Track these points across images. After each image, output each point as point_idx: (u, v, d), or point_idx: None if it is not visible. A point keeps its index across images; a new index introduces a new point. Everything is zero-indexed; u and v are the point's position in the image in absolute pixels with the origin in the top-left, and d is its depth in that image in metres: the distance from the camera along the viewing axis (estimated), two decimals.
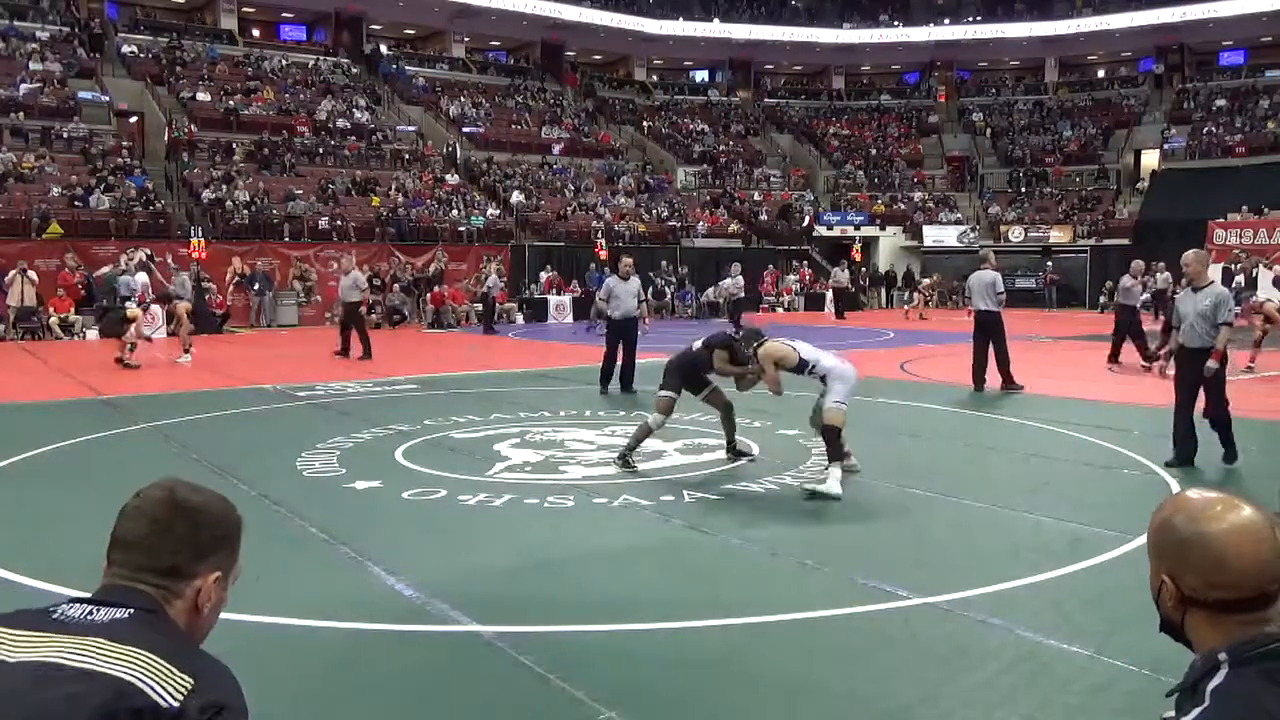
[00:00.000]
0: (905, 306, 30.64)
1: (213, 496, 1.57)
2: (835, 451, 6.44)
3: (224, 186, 25.48)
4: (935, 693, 3.54)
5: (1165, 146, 37.53)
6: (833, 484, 6.27)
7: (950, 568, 5.02)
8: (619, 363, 11.68)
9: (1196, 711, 1.31)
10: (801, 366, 6.67)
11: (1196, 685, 1.36)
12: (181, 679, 1.28)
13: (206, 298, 21.70)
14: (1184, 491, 1.53)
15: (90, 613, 1.37)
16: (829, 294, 31.19)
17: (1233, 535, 1.39)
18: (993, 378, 11.72)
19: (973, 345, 11.90)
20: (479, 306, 25.06)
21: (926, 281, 31.70)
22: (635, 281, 11.99)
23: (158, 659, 1.29)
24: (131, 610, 1.38)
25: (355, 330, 15.49)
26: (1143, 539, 5.36)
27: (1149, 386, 12.39)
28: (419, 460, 7.50)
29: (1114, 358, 14.27)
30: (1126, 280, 14.68)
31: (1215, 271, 27.12)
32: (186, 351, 14.81)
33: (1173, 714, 1.42)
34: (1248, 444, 7.55)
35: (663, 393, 7.26)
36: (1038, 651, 3.85)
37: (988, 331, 11.81)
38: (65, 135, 25.70)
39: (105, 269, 21.21)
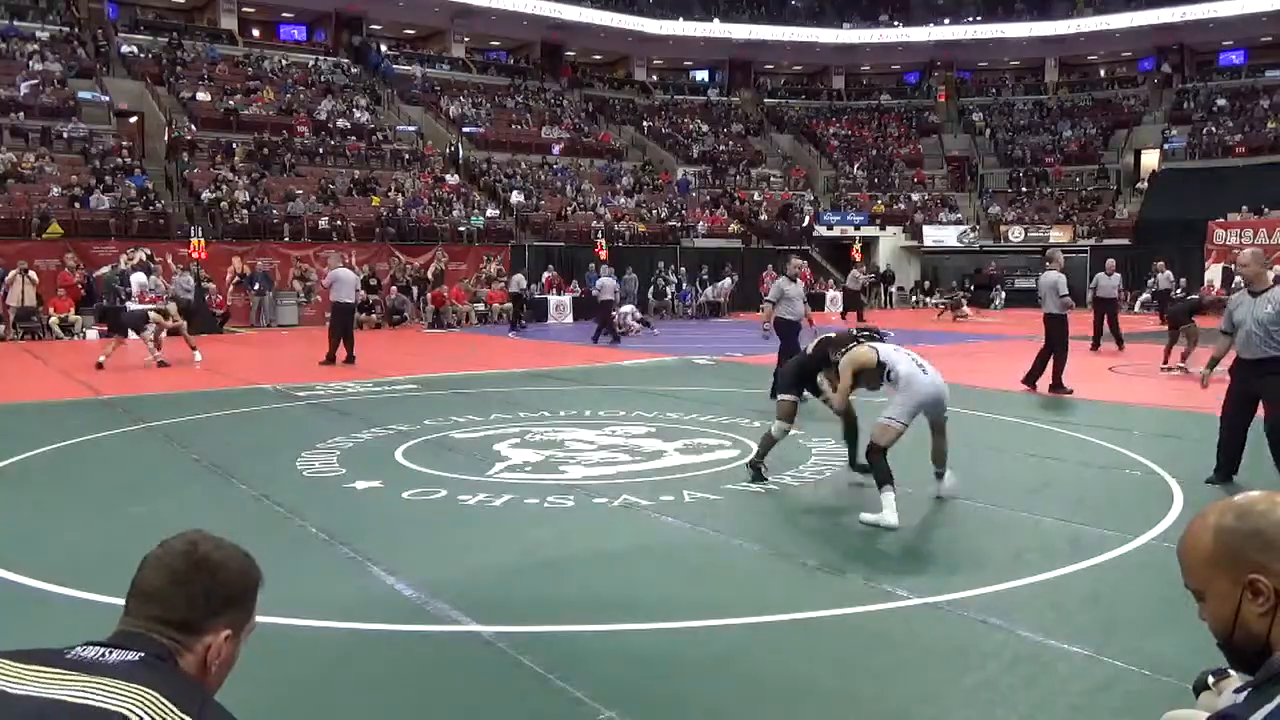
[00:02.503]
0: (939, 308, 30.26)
1: (233, 553, 1.56)
2: (881, 474, 5.84)
3: (223, 188, 25.46)
4: (935, 693, 3.54)
5: (1165, 146, 37.53)
6: (888, 514, 5.69)
7: (950, 568, 5.02)
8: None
9: None
10: (880, 369, 6.16)
11: (1278, 678, 1.32)
12: (181, 719, 1.28)
13: (206, 298, 21.70)
14: (1210, 506, 1.51)
15: (103, 654, 1.38)
16: (830, 294, 31.16)
17: None
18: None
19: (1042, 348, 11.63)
20: (479, 306, 25.12)
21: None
22: (801, 282, 11.43)
23: (160, 698, 1.29)
24: (142, 654, 1.39)
25: (333, 331, 14.60)
26: (1143, 539, 5.31)
27: (1150, 387, 12.41)
28: (419, 460, 7.50)
29: (1095, 346, 16.22)
30: (1101, 277, 16.84)
31: (1216, 271, 27.18)
32: (194, 349, 14.75)
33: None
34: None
35: (784, 397, 7.00)
36: (1038, 652, 3.85)
37: (1047, 334, 11.50)
38: (65, 135, 25.70)
39: (104, 269, 21.26)
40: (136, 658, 1.38)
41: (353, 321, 15.55)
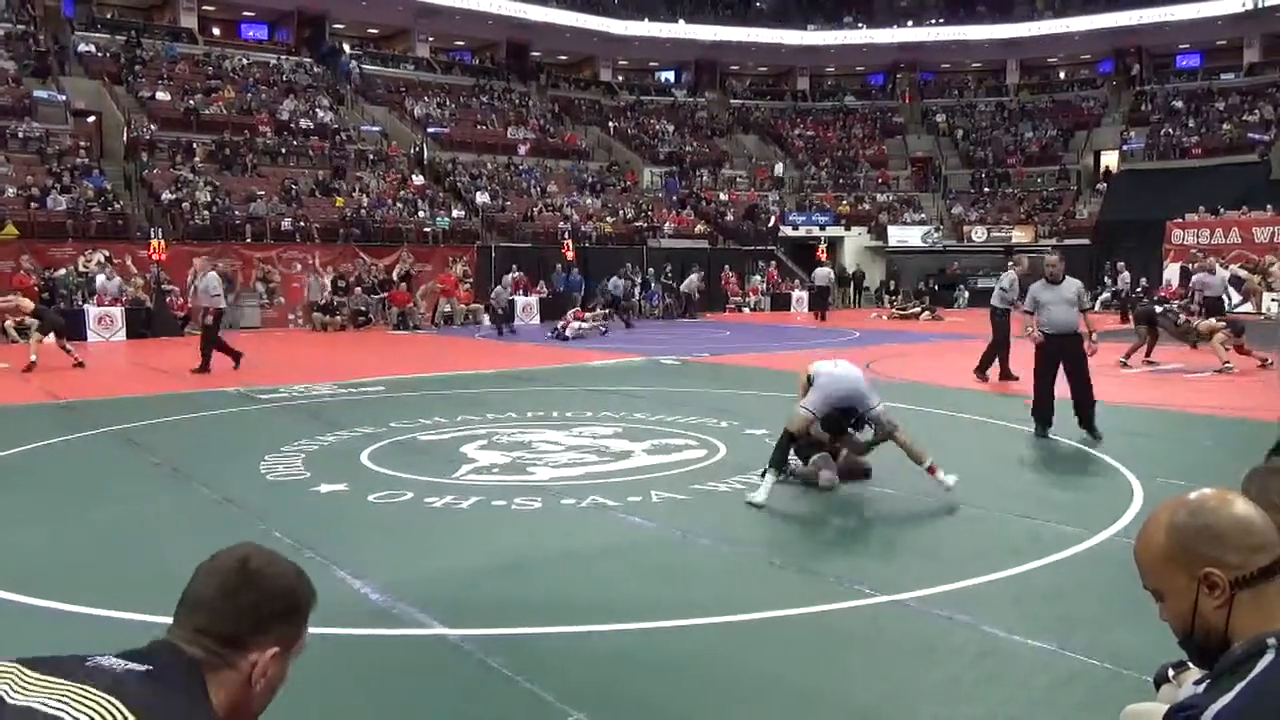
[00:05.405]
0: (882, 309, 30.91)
1: (287, 569, 1.55)
2: (776, 456, 6.28)
3: (183, 188, 25.12)
4: (901, 689, 3.57)
5: (1124, 148, 38.09)
6: (759, 493, 6.13)
7: (915, 565, 5.06)
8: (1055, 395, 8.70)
9: (1240, 686, 1.31)
10: (810, 380, 6.56)
11: (1236, 668, 1.36)
12: None
13: (167, 300, 21.42)
14: (1161, 506, 1.54)
15: (116, 664, 1.35)
16: (796, 294, 31.31)
17: (1239, 503, 1.46)
18: (971, 377, 12.00)
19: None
20: (444, 306, 24.98)
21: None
22: (1072, 284, 8.74)
23: (124, 711, 1.25)
24: (152, 667, 1.35)
25: (204, 339, 13.86)
26: (1104, 535, 5.36)
27: (1111, 384, 12.56)
28: (385, 463, 7.45)
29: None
30: (1205, 277, 16.66)
31: (1174, 271, 27.67)
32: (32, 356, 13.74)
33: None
34: (1201, 440, 7.66)
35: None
36: (1001, 647, 3.90)
37: (993, 328, 12.57)
38: (20, 135, 25.26)
39: (61, 271, 20.94)
40: (144, 669, 1.34)
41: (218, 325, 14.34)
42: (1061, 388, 8.50)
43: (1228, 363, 13.08)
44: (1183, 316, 14.64)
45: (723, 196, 37.26)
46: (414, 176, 30.43)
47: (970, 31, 43.56)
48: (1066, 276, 8.74)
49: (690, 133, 41.64)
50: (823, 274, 28.71)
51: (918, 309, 27.59)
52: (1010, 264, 12.96)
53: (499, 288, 23.69)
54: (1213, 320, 14.21)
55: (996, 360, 12.61)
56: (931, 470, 6.18)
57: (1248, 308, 24.11)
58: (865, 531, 5.92)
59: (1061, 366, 8.51)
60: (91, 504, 6.33)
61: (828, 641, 4.10)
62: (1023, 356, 12.21)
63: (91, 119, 29.49)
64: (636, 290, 28.35)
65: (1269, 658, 1.34)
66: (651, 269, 29.25)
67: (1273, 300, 25.31)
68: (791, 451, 6.61)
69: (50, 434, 8.69)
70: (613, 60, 44.77)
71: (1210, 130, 36.58)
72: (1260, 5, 36.68)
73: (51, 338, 14.35)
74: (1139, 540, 1.54)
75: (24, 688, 1.30)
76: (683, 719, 3.42)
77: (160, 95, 29.28)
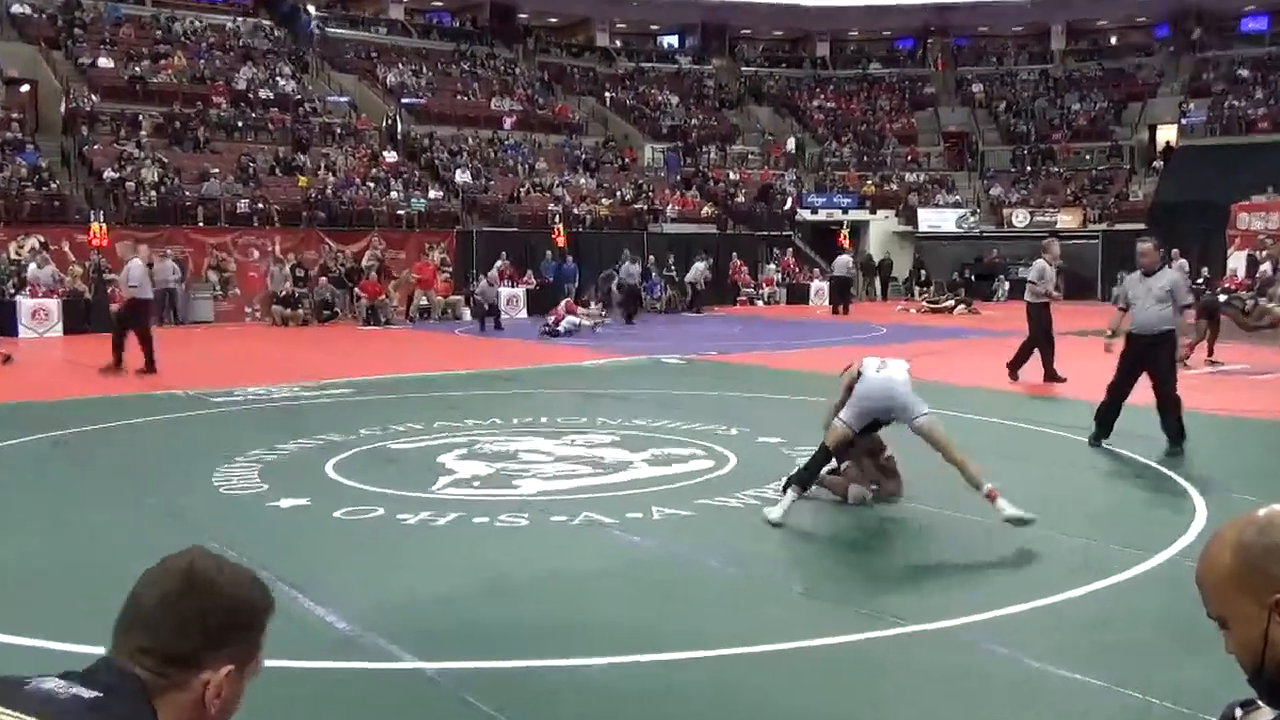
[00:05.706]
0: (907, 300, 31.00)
1: (239, 576, 1.51)
2: (806, 472, 6.28)
3: (128, 166, 25.10)
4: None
5: (1183, 121, 38.03)
6: (774, 509, 6.15)
7: (950, 590, 5.05)
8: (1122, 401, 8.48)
9: None
10: (858, 377, 6.49)
11: None
12: None
13: (109, 291, 21.40)
14: (1227, 524, 1.52)
15: (57, 690, 1.33)
16: (815, 285, 31.31)
17: None
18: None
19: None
20: (420, 298, 24.98)
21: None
22: (1168, 274, 8.46)
23: None
24: (100, 694, 1.33)
25: (123, 332, 13.69)
26: (1163, 556, 5.33)
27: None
28: (353, 474, 7.44)
29: None
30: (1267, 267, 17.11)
31: (1239, 259, 27.61)
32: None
33: None
34: (1272, 450, 7.61)
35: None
36: (1046, 681, 3.88)
37: (1029, 323, 12.60)
38: None
39: None
40: (90, 697, 1.32)
41: (149, 320, 14.18)
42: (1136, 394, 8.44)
43: None
44: (1250, 302, 14.61)
45: (732, 176, 37.23)
46: (386, 153, 30.43)
47: None
48: (1165, 267, 8.48)
49: (696, 104, 41.60)
50: (844, 262, 28.62)
51: (951, 301, 27.58)
52: (1043, 251, 12.88)
53: (484, 283, 23.64)
54: None
55: (1040, 359, 12.46)
56: (991, 497, 5.91)
57: None
58: (894, 552, 5.90)
59: (1145, 371, 8.26)
60: (23, 519, 6.32)
61: (852, 676, 4.09)
62: (1065, 353, 12.27)
63: (25, 88, 29.47)
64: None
65: None
66: (653, 257, 29.19)
67: None
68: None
69: None
70: (609, 22, 44.71)
71: (1279, 102, 36.55)
72: None
73: None
74: (1202, 562, 1.53)
75: None
76: None
77: (102, 62, 29.25)
